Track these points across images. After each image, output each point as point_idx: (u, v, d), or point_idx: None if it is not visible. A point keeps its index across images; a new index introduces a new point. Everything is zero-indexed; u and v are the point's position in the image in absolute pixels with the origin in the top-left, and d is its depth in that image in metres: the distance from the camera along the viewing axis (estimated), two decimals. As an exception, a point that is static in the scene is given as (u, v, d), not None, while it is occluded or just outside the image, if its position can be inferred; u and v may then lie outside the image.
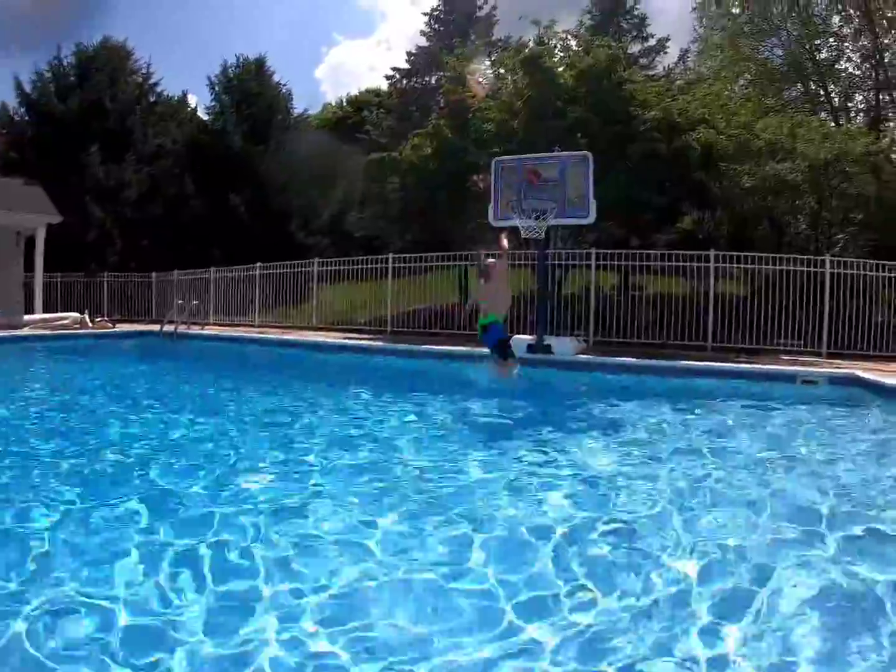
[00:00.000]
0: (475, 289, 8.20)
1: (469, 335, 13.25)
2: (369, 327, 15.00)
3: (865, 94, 22.13)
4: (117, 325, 15.47)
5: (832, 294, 11.27)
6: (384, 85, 29.59)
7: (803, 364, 9.66)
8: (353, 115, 33.51)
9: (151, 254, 22.46)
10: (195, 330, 14.41)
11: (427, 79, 24.36)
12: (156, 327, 14.23)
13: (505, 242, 7.76)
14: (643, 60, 21.03)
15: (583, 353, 10.20)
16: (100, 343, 13.54)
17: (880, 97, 21.20)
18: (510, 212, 10.20)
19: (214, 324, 16.33)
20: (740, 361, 9.69)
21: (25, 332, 13.54)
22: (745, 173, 14.37)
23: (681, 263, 12.28)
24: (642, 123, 13.21)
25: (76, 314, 15.38)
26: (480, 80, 16.02)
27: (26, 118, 24.90)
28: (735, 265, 12.11)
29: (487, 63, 18.07)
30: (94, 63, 25.30)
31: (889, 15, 20.67)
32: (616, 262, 12.85)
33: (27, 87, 24.95)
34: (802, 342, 11.28)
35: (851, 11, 22.03)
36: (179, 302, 14.51)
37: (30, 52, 40.74)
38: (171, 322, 13.97)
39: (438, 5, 25.69)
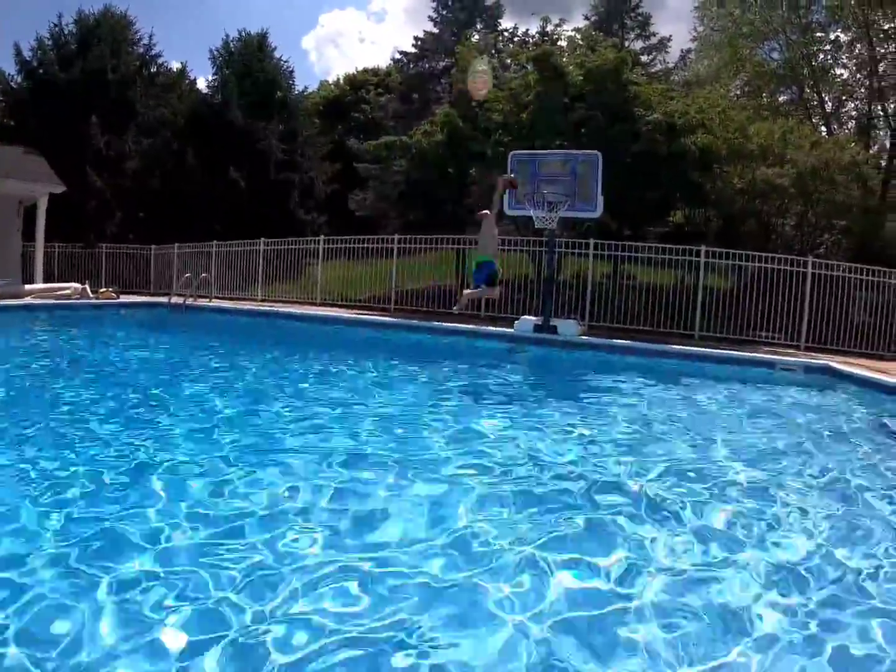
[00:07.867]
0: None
1: (469, 315, 13.77)
2: (372, 304, 15.49)
3: (858, 102, 22.84)
4: (119, 297, 15.51)
5: (812, 292, 12.01)
6: (380, 62, 29.84)
7: (783, 354, 10.41)
8: (350, 94, 33.68)
9: (149, 226, 22.37)
10: (202, 302, 14.59)
11: (432, 64, 24.77)
12: (156, 299, 14.51)
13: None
14: (644, 58, 21.63)
15: (582, 335, 10.91)
16: (114, 314, 13.62)
17: (872, 106, 21.90)
18: (525, 202, 10.84)
19: (216, 297, 16.44)
20: (726, 348, 10.41)
21: (28, 300, 13.37)
22: (736, 175, 15.04)
23: (672, 257, 12.89)
24: (644, 124, 13.81)
25: (77, 284, 15.20)
26: (480, 79, 16.20)
27: (25, 85, 24.48)
28: (723, 261, 12.78)
29: (494, 54, 18.51)
30: (96, 33, 25.01)
31: (886, 27, 21.32)
32: (611, 252, 13.43)
33: (27, 55, 24.57)
34: (782, 335, 12.00)
35: (850, 21, 22.68)
36: (187, 275, 14.79)
37: (29, 19, 39.82)
38: (179, 294, 14.27)
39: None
